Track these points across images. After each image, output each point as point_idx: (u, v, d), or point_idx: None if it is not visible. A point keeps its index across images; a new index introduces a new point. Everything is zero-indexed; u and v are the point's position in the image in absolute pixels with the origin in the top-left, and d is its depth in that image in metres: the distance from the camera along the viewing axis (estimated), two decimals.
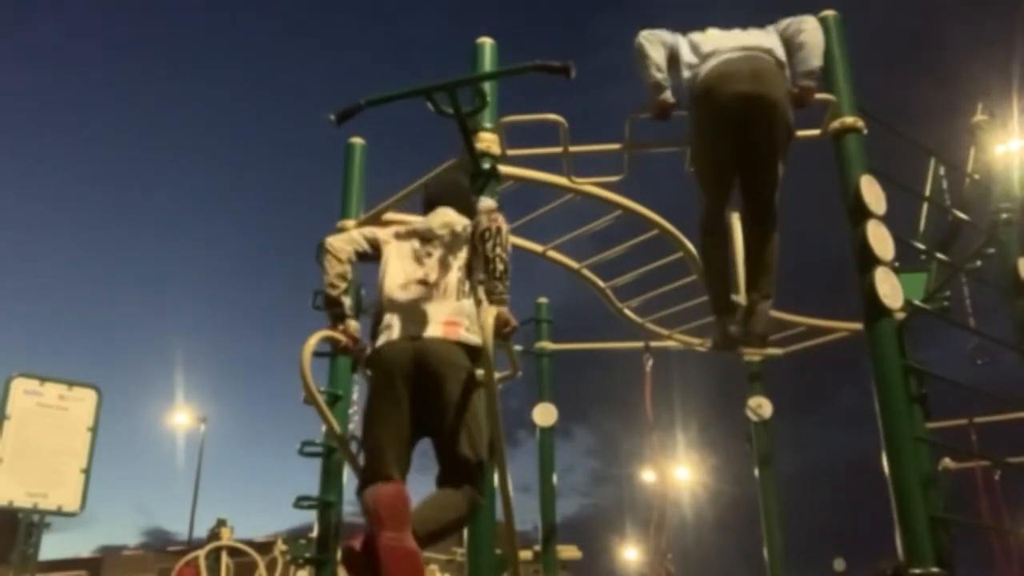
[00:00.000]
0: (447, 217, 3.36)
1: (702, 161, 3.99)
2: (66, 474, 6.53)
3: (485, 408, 3.02)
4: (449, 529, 2.94)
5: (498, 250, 3.02)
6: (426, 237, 3.33)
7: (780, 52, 3.88)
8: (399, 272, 3.25)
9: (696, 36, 4.01)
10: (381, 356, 3.08)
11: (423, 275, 3.21)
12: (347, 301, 3.34)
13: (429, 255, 3.27)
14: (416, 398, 3.01)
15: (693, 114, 3.92)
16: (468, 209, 3.45)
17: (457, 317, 3.10)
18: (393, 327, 3.12)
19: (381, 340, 3.12)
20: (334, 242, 3.36)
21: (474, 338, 3.07)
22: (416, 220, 3.46)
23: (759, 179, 3.93)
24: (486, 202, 3.78)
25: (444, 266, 3.23)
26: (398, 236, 3.39)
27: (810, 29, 3.94)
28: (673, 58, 4.00)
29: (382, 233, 3.42)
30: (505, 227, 3.09)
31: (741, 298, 4.25)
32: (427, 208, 3.47)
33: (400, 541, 2.62)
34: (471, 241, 3.17)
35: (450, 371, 3.00)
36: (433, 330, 3.06)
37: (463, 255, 3.25)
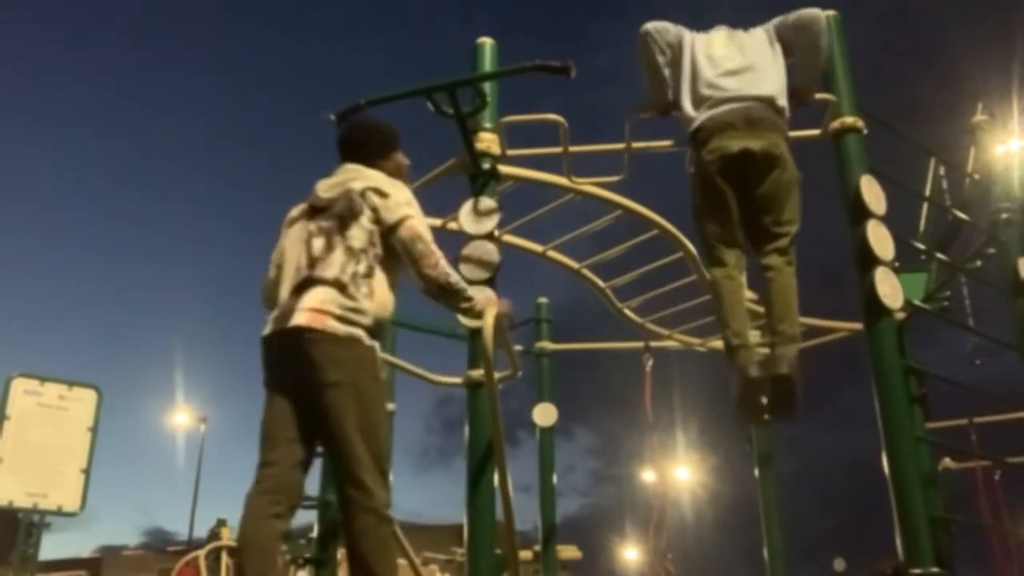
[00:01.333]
0: (344, 175, 2.91)
1: (701, 214, 3.70)
2: (66, 474, 6.54)
3: (374, 415, 2.67)
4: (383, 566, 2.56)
5: (452, 300, 2.88)
6: (314, 210, 2.88)
7: (782, 98, 3.68)
8: (289, 263, 2.84)
9: (700, 47, 3.82)
10: (261, 351, 2.79)
11: (306, 259, 2.78)
12: None
13: (317, 232, 2.81)
14: (295, 386, 2.68)
15: (692, 161, 3.74)
16: (372, 152, 3.02)
17: (326, 305, 2.66)
18: (268, 323, 2.78)
19: (262, 334, 2.80)
20: (266, 289, 2.95)
21: (346, 328, 2.65)
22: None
23: (768, 224, 3.60)
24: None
25: (328, 247, 2.77)
26: (291, 221, 2.97)
27: (815, 28, 3.77)
28: (676, 59, 3.86)
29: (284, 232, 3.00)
30: (444, 268, 2.83)
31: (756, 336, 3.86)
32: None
33: None
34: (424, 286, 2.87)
35: (315, 347, 2.62)
36: (297, 318, 2.66)
37: (353, 235, 2.77)
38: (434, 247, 2.83)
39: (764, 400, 3.44)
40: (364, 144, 3.04)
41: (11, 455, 6.33)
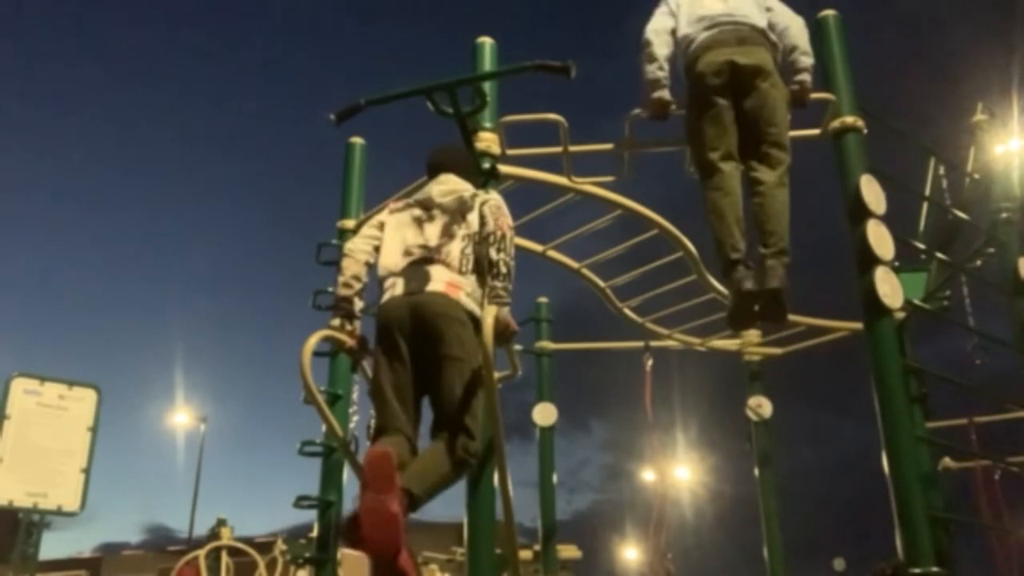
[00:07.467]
0: (450, 184, 3.36)
1: (697, 132, 3.89)
2: (66, 474, 6.54)
3: (481, 365, 2.98)
4: (442, 482, 2.93)
5: (502, 255, 3.10)
6: (427, 206, 3.32)
7: (772, 35, 3.94)
8: (398, 241, 3.27)
9: (690, 2, 4.04)
10: (382, 312, 3.14)
11: (424, 240, 3.22)
12: (359, 303, 3.34)
13: (431, 220, 3.27)
14: (416, 350, 3.05)
15: (687, 83, 3.95)
16: (472, 174, 3.49)
17: (459, 282, 3.12)
18: (396, 285, 3.16)
19: (384, 298, 3.17)
20: (352, 244, 3.41)
21: (474, 306, 3.08)
22: (417, 191, 3.45)
23: (760, 138, 3.83)
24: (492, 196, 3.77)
25: (447, 234, 3.21)
26: (394, 211, 3.40)
27: (797, 27, 4.00)
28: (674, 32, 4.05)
29: (382, 215, 3.45)
30: (510, 233, 3.18)
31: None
32: (430, 175, 3.48)
33: (381, 503, 2.56)
34: (478, 243, 3.20)
35: (447, 323, 3.03)
36: (434, 286, 3.09)
37: (469, 223, 3.23)
38: (513, 251, 3.28)
39: (756, 309, 3.69)
40: (463, 163, 3.58)
41: (11, 455, 6.33)
